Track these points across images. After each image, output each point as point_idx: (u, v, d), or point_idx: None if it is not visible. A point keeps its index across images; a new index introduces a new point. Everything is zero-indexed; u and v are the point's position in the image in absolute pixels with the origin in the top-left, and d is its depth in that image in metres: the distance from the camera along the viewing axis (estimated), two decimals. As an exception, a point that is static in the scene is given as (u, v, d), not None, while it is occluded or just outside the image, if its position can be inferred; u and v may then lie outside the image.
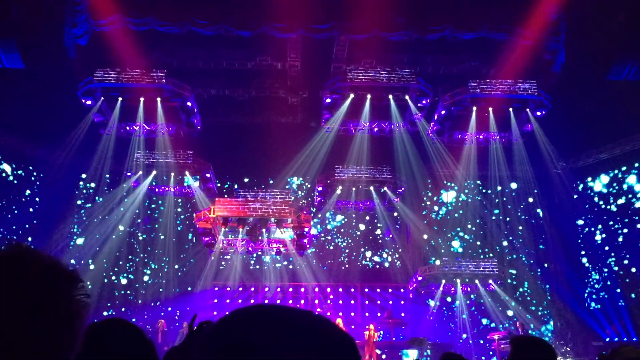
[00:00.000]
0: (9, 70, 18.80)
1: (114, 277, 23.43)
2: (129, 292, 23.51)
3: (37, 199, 22.34)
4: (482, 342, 22.41)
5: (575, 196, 23.34)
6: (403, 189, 23.03)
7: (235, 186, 23.71)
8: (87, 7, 18.22)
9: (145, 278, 23.80)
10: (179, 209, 24.36)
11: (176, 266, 23.99)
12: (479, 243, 24.46)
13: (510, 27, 19.16)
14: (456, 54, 21.65)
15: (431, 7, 18.98)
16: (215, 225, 20.60)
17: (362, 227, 25.32)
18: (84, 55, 19.57)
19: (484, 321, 23.42)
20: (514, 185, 24.22)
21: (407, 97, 20.98)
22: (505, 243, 24.34)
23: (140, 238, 23.99)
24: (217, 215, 19.82)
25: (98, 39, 19.32)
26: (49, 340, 1.09)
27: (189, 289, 23.59)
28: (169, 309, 22.91)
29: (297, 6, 17.65)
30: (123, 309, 22.68)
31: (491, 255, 23.45)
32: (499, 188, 24.01)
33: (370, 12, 17.91)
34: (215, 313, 22.52)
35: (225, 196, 21.94)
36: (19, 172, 21.82)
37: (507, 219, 24.35)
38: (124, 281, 23.61)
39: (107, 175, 23.02)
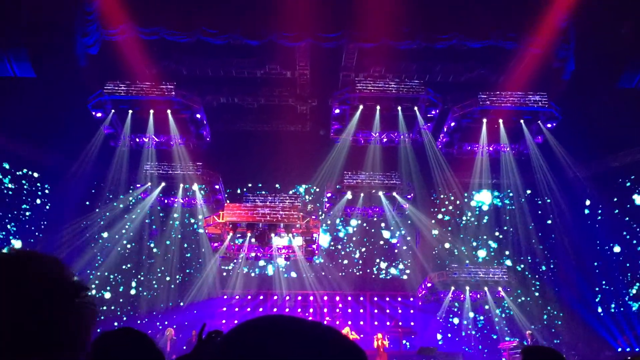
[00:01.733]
0: (20, 79, 18.98)
1: (121, 288, 23.61)
2: (114, 308, 23.51)
3: (47, 207, 22.51)
4: (488, 351, 22.27)
5: (588, 202, 23.22)
6: (412, 194, 22.97)
7: (238, 190, 23.79)
8: (97, 17, 18.37)
9: (151, 288, 23.94)
10: (177, 217, 24.51)
11: (169, 276, 24.13)
12: (502, 251, 24.47)
13: (519, 35, 19.11)
14: (465, 62, 21.63)
15: (440, 15, 18.97)
16: (224, 231, 20.64)
17: (371, 234, 25.29)
18: (94, 65, 19.72)
19: (494, 330, 23.29)
20: (524, 194, 24.13)
21: (415, 108, 20.94)
22: (514, 251, 24.29)
23: (147, 249, 24.17)
24: (227, 221, 19.85)
25: (108, 48, 19.46)
26: (51, 342, 1.10)
27: (180, 303, 23.59)
28: (165, 322, 22.84)
29: (306, 15, 17.71)
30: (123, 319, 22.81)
31: (519, 265, 23.37)
32: (510, 197, 24.00)
33: (378, 21, 17.93)
34: (223, 322, 22.55)
35: (228, 201, 21.98)
36: (28, 180, 22.00)
37: (518, 227, 24.26)
38: (132, 292, 23.79)
39: (116, 187, 23.27)
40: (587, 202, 23.35)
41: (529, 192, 24.15)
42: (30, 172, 21.93)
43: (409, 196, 22.90)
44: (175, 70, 22.07)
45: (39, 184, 22.34)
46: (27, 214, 21.77)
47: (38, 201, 22.24)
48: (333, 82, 22.05)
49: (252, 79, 22.78)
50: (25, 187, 21.85)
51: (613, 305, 22.27)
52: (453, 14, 19.00)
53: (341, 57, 20.85)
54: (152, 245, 24.36)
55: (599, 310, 22.35)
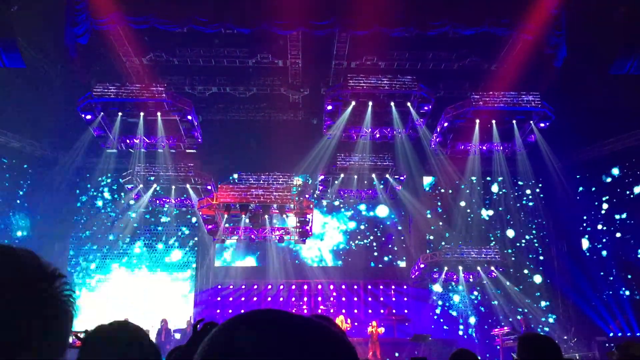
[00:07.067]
0: (9, 70, 18.80)
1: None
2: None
3: (35, 202, 22.46)
4: (483, 337, 22.44)
5: (581, 189, 23.36)
6: (405, 176, 23.05)
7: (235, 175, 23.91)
8: (87, 6, 18.17)
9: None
10: (169, 218, 24.64)
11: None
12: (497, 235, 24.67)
13: (512, 21, 19.06)
14: (457, 49, 21.58)
15: (432, 2, 18.91)
16: (217, 213, 20.63)
17: (364, 220, 25.39)
18: (84, 55, 19.54)
19: (488, 315, 23.46)
20: (517, 182, 24.27)
21: (408, 103, 20.90)
22: (508, 235, 24.48)
23: (142, 248, 24.24)
24: (220, 202, 19.81)
25: (98, 38, 19.29)
26: (27, 337, 1.05)
27: (186, 293, 23.68)
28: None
29: (297, 2, 17.60)
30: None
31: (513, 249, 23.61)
32: (501, 182, 24.11)
33: (370, 8, 17.83)
34: (218, 311, 22.63)
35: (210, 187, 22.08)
36: (17, 172, 21.90)
37: (510, 213, 24.43)
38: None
39: (107, 189, 23.41)
40: (579, 189, 23.46)
41: (520, 182, 24.32)
42: (19, 164, 21.81)
43: (402, 177, 22.97)
44: (166, 60, 21.94)
45: (28, 177, 22.23)
46: (16, 207, 21.68)
47: (24, 193, 22.14)
48: (325, 71, 22.00)
49: (244, 68, 22.66)
50: (13, 180, 21.73)
51: (598, 291, 22.46)
52: (446, 0, 18.92)
53: (333, 46, 20.77)
54: (149, 242, 24.42)
55: (591, 295, 22.53)
